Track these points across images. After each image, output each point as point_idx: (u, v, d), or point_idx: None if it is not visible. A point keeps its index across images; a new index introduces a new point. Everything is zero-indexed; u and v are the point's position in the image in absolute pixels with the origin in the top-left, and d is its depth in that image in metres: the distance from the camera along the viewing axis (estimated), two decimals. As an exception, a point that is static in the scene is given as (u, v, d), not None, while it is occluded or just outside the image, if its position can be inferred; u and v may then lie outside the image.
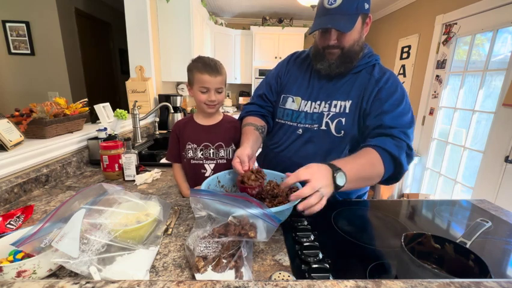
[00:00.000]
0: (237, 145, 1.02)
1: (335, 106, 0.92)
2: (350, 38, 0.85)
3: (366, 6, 0.84)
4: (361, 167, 0.77)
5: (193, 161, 0.98)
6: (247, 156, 0.81)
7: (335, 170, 0.69)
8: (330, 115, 0.92)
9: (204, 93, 0.91)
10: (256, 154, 1.12)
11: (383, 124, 0.84)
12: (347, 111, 0.90)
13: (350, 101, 0.90)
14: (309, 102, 0.96)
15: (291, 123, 0.99)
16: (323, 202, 0.65)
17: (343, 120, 0.90)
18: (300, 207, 0.64)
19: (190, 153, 0.98)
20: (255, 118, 1.04)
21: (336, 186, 0.69)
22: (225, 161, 0.99)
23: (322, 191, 0.65)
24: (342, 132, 0.91)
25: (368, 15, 0.87)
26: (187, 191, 0.97)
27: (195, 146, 0.97)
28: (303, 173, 0.67)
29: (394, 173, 0.84)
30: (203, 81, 0.89)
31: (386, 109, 0.85)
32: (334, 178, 0.68)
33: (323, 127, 0.93)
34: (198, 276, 0.53)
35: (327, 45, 0.88)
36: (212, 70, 0.89)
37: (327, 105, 0.93)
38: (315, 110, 0.94)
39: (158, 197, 0.78)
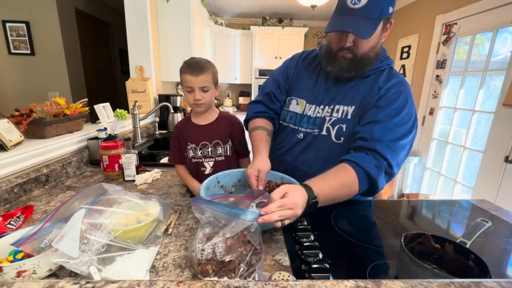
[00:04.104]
0: (234, 140, 1.02)
1: (337, 111, 0.88)
2: (366, 44, 0.80)
3: (391, 10, 0.78)
4: (336, 191, 0.75)
5: (194, 160, 1.00)
6: (265, 174, 0.81)
7: (311, 198, 0.67)
8: (331, 120, 0.88)
9: (189, 93, 0.92)
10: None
11: (371, 136, 0.79)
12: (349, 117, 0.86)
13: (353, 107, 0.87)
14: (314, 106, 0.92)
15: (294, 127, 0.96)
16: (285, 222, 0.62)
17: (344, 126, 0.87)
18: (259, 220, 0.59)
19: (191, 153, 1.00)
20: (266, 121, 1.00)
21: (304, 211, 0.66)
22: (223, 158, 1.00)
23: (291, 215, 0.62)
24: (342, 139, 0.87)
25: (390, 21, 0.81)
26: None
27: (194, 145, 0.99)
28: (285, 199, 0.63)
29: (367, 191, 0.80)
30: (186, 81, 0.90)
31: (379, 118, 0.81)
32: (308, 204, 0.66)
33: (324, 132, 0.89)
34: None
35: (341, 46, 0.83)
36: (194, 70, 0.88)
37: (329, 110, 0.89)
38: (317, 115, 0.91)
39: (158, 197, 0.78)
